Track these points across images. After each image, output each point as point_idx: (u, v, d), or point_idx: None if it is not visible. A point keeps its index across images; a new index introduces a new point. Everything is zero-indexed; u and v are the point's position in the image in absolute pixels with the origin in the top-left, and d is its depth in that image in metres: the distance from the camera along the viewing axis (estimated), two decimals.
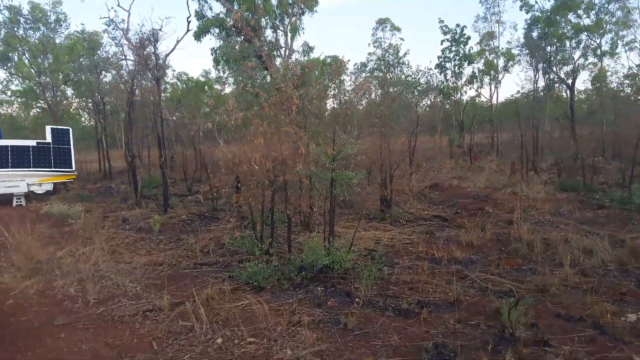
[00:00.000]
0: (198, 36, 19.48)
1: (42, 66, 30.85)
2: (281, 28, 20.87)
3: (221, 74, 34.23)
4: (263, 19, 19.33)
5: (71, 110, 39.10)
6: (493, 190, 14.85)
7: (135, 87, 13.24)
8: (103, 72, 24.78)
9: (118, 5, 17.36)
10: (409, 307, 5.66)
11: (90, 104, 35.91)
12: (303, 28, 19.64)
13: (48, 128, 15.37)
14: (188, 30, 22.50)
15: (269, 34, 20.34)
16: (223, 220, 11.00)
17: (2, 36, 30.06)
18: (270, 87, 7.57)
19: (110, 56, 21.23)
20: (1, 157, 14.04)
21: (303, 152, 6.40)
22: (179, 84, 39.70)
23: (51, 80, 29.67)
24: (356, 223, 10.11)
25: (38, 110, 41.18)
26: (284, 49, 20.72)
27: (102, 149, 23.54)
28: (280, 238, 8.64)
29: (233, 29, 19.37)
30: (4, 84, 37.86)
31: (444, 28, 33.28)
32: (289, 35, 20.07)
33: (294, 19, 20.05)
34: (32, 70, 31.29)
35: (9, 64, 33.59)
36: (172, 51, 16.75)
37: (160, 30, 12.14)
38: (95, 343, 4.85)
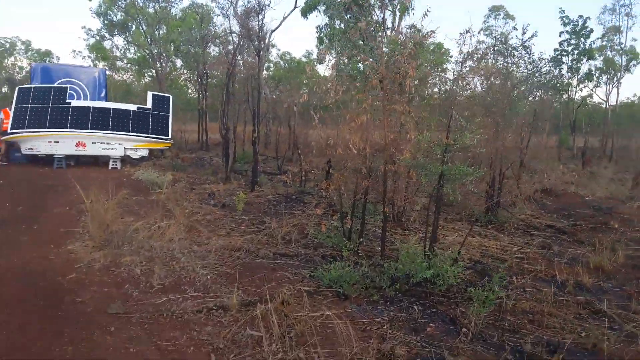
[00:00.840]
0: (305, 13, 18.56)
1: (155, 36, 31.90)
2: (390, 8, 19.33)
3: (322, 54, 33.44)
4: None
5: (180, 81, 40.47)
6: (616, 202, 12.58)
7: (236, 59, 12.54)
8: (210, 45, 24.81)
9: None
10: (534, 349, 4.23)
11: (195, 76, 36.91)
12: (413, 9, 17.88)
13: (150, 94, 15.28)
14: (295, 7, 21.70)
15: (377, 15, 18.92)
16: (309, 205, 9.98)
17: (123, 6, 31.51)
18: (379, 58, 6.25)
19: (218, 29, 21.06)
20: (103, 119, 14.10)
21: (412, 138, 5.07)
22: (281, 63, 39.51)
23: (163, 51, 30.65)
24: (456, 225, 8.67)
25: (149, 78, 43.29)
26: (390, 29, 19.20)
27: (202, 120, 23.63)
28: (370, 234, 7.41)
29: (341, 6, 18.20)
30: (121, 51, 40.05)
31: (564, 19, 29.51)
32: (397, 15, 18.47)
33: None
34: (146, 39, 32.56)
35: (127, 33, 35.31)
36: (277, 28, 16.15)
37: (268, 5, 11.43)
38: (145, 345, 3.96)
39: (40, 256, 6.04)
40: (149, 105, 14.87)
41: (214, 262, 5.84)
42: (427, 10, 6.44)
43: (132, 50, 39.06)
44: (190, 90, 44.02)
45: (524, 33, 10.68)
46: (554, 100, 33.24)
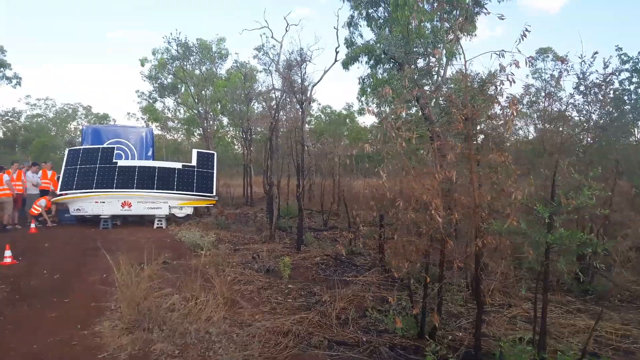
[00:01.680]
0: (346, 64, 18.02)
1: (203, 96, 32.44)
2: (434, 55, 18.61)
3: (364, 105, 33.03)
4: (415, 44, 17.25)
5: (226, 138, 40.91)
6: None
7: (279, 114, 11.93)
8: (254, 102, 24.74)
9: (272, 37, 17.25)
10: None
11: (240, 132, 37.17)
12: (461, 53, 16.99)
13: (194, 152, 14.83)
14: (336, 60, 21.28)
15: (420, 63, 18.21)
16: (362, 268, 8.81)
17: (172, 69, 32.43)
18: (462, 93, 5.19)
19: (261, 87, 20.89)
20: (149, 178, 13.65)
21: (518, 198, 3.83)
22: (322, 116, 39.39)
23: (210, 110, 31.02)
24: (535, 292, 7.10)
25: (198, 137, 44.09)
26: (435, 76, 18.37)
27: (247, 174, 23.16)
28: (443, 311, 6.10)
29: (383, 55, 17.62)
30: (172, 112, 41.11)
31: (622, 56, 27.88)
32: (444, 60, 17.65)
33: (448, 44, 17.63)
34: (194, 100, 33.19)
35: (176, 94, 36.22)
36: (318, 81, 15.74)
37: (309, 59, 10.93)
38: None
39: (63, 341, 5.14)
40: (194, 162, 14.38)
41: (257, 354, 4.73)
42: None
43: (182, 111, 40.07)
44: (236, 147, 44.46)
45: (605, 67, 8.96)
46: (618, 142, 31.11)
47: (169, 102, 39.29)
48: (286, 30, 20.80)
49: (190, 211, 14.01)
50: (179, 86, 35.30)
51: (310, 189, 22.05)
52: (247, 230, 13.02)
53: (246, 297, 6.81)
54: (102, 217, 13.26)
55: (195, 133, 39.42)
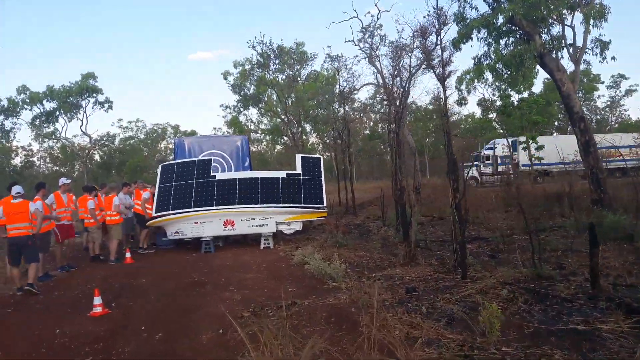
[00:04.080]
0: (458, 43, 14.82)
1: (286, 105, 30.55)
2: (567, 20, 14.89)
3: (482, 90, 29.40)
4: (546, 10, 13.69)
5: (307, 145, 38.90)
6: None
7: (406, 98, 9.08)
8: (356, 94, 22.14)
9: (362, 28, 15.07)
10: None
11: (325, 138, 34.87)
12: (610, 12, 13.16)
13: (298, 157, 12.34)
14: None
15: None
16: (576, 302, 5.69)
17: (255, 79, 30.86)
18: None
19: (359, 79, 18.23)
20: (251, 191, 11.34)
21: None
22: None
23: (295, 116, 28.98)
24: None
25: (281, 146, 42.53)
26: (571, 45, 14.64)
27: (344, 179, 20.50)
28: None
29: (506, 26, 14.22)
30: (255, 124, 39.76)
31: None
32: (583, 26, 13.93)
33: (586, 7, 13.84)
34: (281, 104, 31.37)
35: (259, 105, 34.68)
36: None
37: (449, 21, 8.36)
38: None
39: None
40: (299, 169, 11.88)
41: None
42: None
43: (265, 121, 38.61)
44: (317, 152, 42.26)
45: None
46: None
47: (252, 113, 38.11)
48: (377, 18, 18.09)
49: (299, 227, 11.52)
50: (261, 96, 33.79)
51: (416, 189, 18.94)
52: (371, 248, 10.24)
53: None
54: (203, 239, 11.12)
55: (279, 142, 37.86)
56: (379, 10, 16.58)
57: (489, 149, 30.53)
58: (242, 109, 36.72)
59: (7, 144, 39.94)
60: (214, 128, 45.48)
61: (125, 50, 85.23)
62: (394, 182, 9.87)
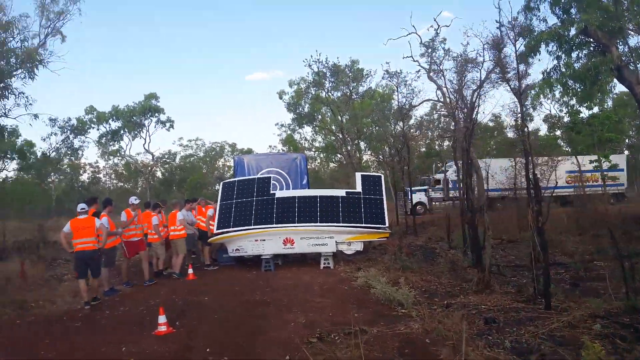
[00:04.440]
0: (525, 56, 14.10)
1: (341, 122, 30.49)
2: None
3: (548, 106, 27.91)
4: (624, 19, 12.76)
5: (362, 162, 38.58)
6: None
7: (477, 112, 8.57)
8: (400, 122, 21.69)
9: (421, 43, 14.71)
10: None
11: (380, 155, 34.42)
12: None
13: (358, 175, 12.05)
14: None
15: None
16: None
17: (309, 97, 31.12)
18: None
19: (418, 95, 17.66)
20: (310, 210, 11.14)
21: None
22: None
23: (350, 134, 28.85)
24: None
25: (334, 163, 42.51)
26: None
27: (404, 198, 19.94)
28: None
29: (579, 38, 13.38)
30: (309, 142, 40.00)
31: None
32: None
33: None
34: (332, 126, 31.43)
35: (314, 123, 34.89)
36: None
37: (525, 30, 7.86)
38: None
39: None
40: (359, 188, 11.57)
41: None
42: None
43: (319, 139, 38.76)
44: (372, 169, 41.78)
45: None
46: None
47: (307, 131, 38.42)
48: (437, 33, 17.64)
49: (359, 247, 11.15)
50: (315, 114, 33.99)
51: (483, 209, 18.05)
52: (438, 272, 9.70)
53: None
54: (263, 257, 11.01)
55: (333, 159, 37.85)
56: (439, 25, 16.14)
57: (440, 172, 28.26)
58: (296, 127, 37.06)
59: (76, 161, 42.39)
60: (269, 146, 46.17)
61: (186, 73, 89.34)
62: (462, 204, 9.31)
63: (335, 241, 10.94)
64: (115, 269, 10.21)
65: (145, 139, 37.46)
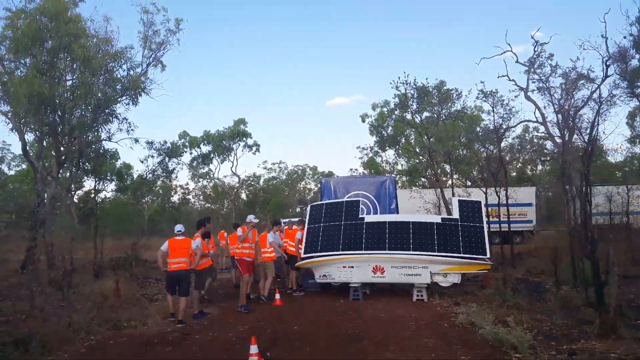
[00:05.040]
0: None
1: (425, 144, 29.40)
2: None
3: None
4: None
5: (447, 186, 36.90)
6: None
7: (597, 129, 7.49)
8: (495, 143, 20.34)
9: (517, 62, 13.81)
10: None
11: (468, 179, 32.68)
12: None
13: (455, 200, 11.19)
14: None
15: None
16: None
17: (392, 121, 30.49)
18: None
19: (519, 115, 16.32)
20: (402, 236, 10.45)
21: None
22: None
23: (433, 158, 27.72)
24: None
25: (420, 187, 41.10)
26: None
27: (499, 225, 18.46)
28: None
29: None
30: (391, 165, 39.17)
31: None
32: None
33: None
34: (416, 149, 30.43)
35: (397, 146, 34.09)
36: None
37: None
38: None
39: None
40: (456, 214, 10.68)
41: None
42: None
43: (402, 163, 37.83)
44: (458, 194, 39.75)
45: None
46: None
47: (389, 154, 37.70)
48: (535, 51, 16.40)
49: (457, 279, 10.19)
50: (398, 137, 33.21)
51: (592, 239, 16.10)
52: (546, 309, 8.53)
53: None
54: (351, 285, 10.47)
55: (417, 183, 36.60)
56: (536, 42, 15.00)
57: None
58: (378, 150, 36.49)
59: (169, 183, 44.99)
60: (350, 169, 45.91)
61: (271, 99, 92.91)
62: (577, 233, 8.14)
63: (430, 272, 10.11)
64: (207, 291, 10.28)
65: (232, 162, 38.90)
